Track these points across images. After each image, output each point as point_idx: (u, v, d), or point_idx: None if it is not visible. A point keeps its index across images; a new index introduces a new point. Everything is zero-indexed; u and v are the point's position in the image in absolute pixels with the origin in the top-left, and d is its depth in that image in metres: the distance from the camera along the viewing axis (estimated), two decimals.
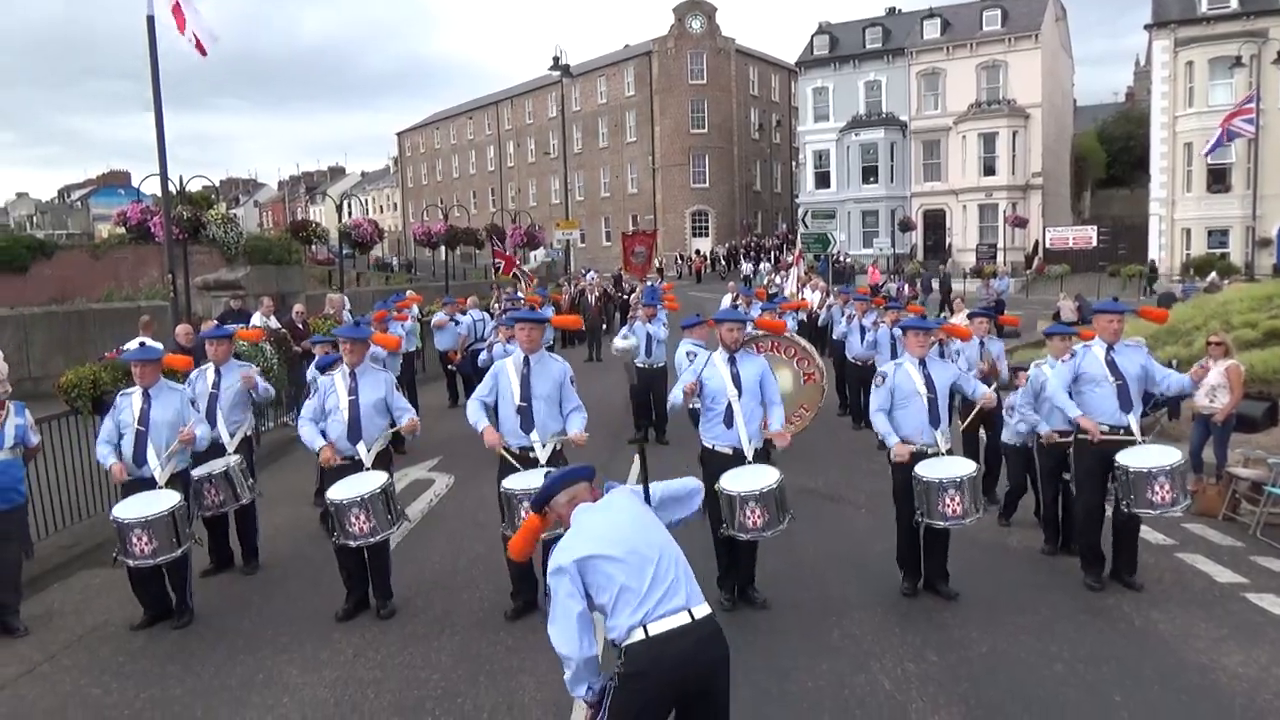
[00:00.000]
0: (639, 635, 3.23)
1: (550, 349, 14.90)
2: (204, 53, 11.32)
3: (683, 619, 3.26)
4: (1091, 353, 6.64)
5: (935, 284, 33.06)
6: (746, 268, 43.37)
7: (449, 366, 15.09)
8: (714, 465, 6.26)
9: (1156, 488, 6.18)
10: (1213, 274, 26.88)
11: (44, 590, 7.15)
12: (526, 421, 6.14)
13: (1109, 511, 6.58)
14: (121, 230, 20.14)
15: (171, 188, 13.82)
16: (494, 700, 5.14)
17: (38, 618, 6.54)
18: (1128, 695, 5.04)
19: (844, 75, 46.58)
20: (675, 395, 6.48)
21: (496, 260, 18.11)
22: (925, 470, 6.25)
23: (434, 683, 5.36)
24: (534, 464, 6.10)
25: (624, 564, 3.29)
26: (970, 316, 9.90)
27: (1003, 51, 42.40)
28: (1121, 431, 6.46)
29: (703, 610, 3.33)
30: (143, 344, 10.06)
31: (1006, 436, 8.18)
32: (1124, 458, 6.33)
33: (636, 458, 11.20)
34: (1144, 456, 6.32)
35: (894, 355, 11.16)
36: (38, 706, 5.30)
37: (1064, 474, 7.26)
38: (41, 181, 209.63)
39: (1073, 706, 4.96)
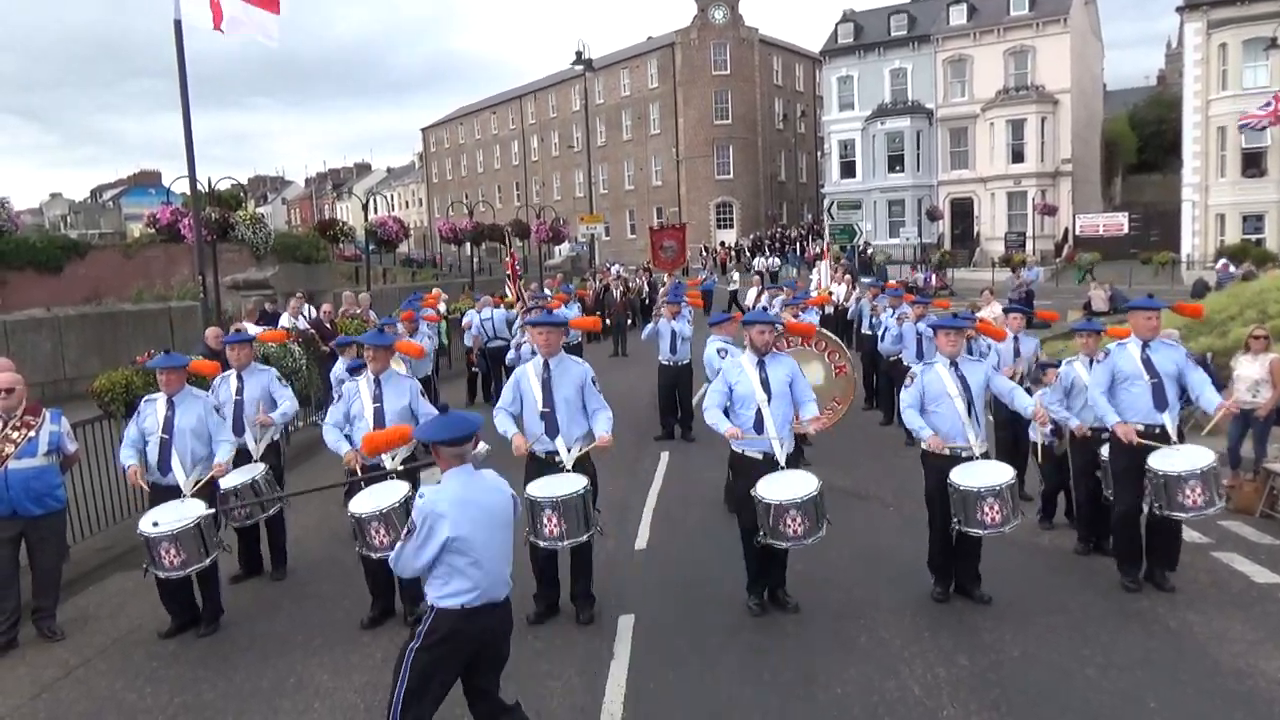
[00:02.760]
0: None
1: (578, 346, 15.00)
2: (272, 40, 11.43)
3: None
4: (1126, 350, 6.50)
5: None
6: (758, 263, 40.75)
7: (472, 369, 15.18)
8: (745, 471, 6.20)
9: (1188, 491, 6.07)
10: (1247, 262, 26.36)
11: (79, 593, 7.26)
12: (551, 427, 6.11)
13: (1145, 511, 6.47)
14: (152, 230, 20.38)
15: (200, 187, 13.95)
16: (521, 705, 5.14)
17: (73, 621, 6.64)
18: (1162, 700, 4.97)
19: (869, 63, 46.15)
20: (716, 421, 6.21)
21: (509, 271, 18.47)
22: (961, 478, 6.12)
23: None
24: (560, 469, 6.08)
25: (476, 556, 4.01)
26: (1005, 312, 9.75)
27: (1031, 36, 41.78)
28: (1157, 430, 6.34)
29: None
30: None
31: (1040, 439, 8.01)
32: (1155, 461, 6.21)
33: (664, 455, 11.09)
34: (1175, 460, 6.20)
35: (919, 352, 11.07)
36: (74, 710, 5.39)
37: (1096, 473, 7.15)
38: (75, 182, 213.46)
39: (1107, 712, 4.89)
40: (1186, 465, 6.12)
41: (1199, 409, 6.68)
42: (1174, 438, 6.35)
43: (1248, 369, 8.97)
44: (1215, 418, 6.39)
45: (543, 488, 5.95)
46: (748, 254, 49.17)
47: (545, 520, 5.84)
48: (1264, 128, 30.50)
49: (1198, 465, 6.10)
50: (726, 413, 6.28)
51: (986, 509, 6.01)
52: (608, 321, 22.01)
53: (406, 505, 6.01)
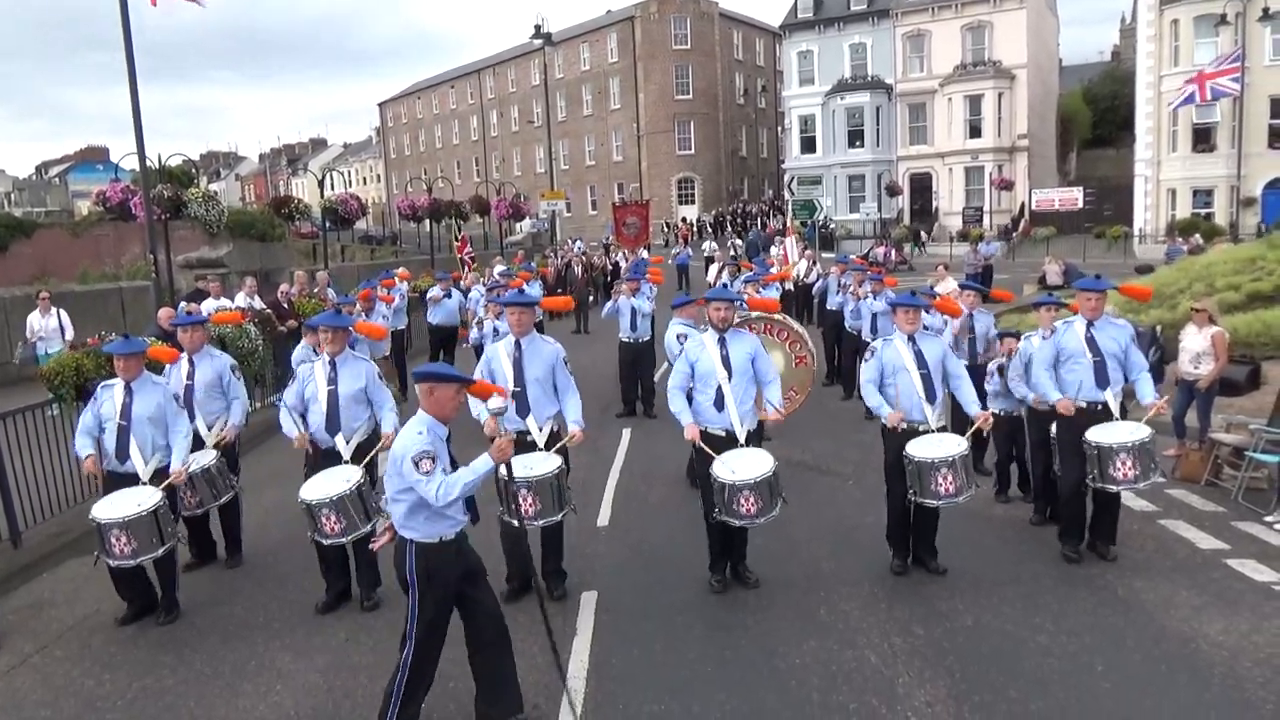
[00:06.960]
0: None
1: (539, 324, 14.95)
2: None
3: None
4: (1073, 329, 6.67)
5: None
6: (707, 246, 37.09)
7: (462, 344, 14.92)
8: (706, 448, 6.26)
9: (1118, 463, 6.26)
10: (1196, 235, 26.93)
11: (34, 579, 7.15)
12: (522, 406, 6.10)
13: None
14: (102, 208, 19.93)
15: (151, 164, 13.64)
16: None
17: (28, 608, 6.55)
18: (1109, 665, 5.13)
19: (829, 38, 46.14)
20: (679, 410, 6.27)
21: (461, 256, 18.60)
22: (916, 450, 6.25)
23: None
24: (531, 448, 6.08)
25: None
26: (961, 289, 9.88)
27: (988, 12, 42.02)
28: (1099, 407, 6.52)
29: None
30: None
31: (994, 407, 8.17)
32: (1092, 434, 6.40)
33: (626, 432, 11.10)
34: (1109, 433, 6.38)
35: (873, 327, 11.21)
36: (30, 698, 5.32)
37: (1049, 446, 7.31)
38: (21, 157, 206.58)
39: (1056, 677, 5.03)
40: (1118, 438, 6.31)
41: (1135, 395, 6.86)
42: (1116, 414, 6.53)
43: (1191, 341, 9.20)
44: (1147, 415, 6.58)
45: (517, 468, 5.92)
46: (710, 230, 49.00)
47: (520, 500, 5.84)
48: (1190, 103, 31.16)
49: (1129, 439, 6.29)
50: (690, 394, 6.34)
51: (941, 479, 6.14)
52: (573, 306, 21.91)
53: (359, 490, 5.89)
